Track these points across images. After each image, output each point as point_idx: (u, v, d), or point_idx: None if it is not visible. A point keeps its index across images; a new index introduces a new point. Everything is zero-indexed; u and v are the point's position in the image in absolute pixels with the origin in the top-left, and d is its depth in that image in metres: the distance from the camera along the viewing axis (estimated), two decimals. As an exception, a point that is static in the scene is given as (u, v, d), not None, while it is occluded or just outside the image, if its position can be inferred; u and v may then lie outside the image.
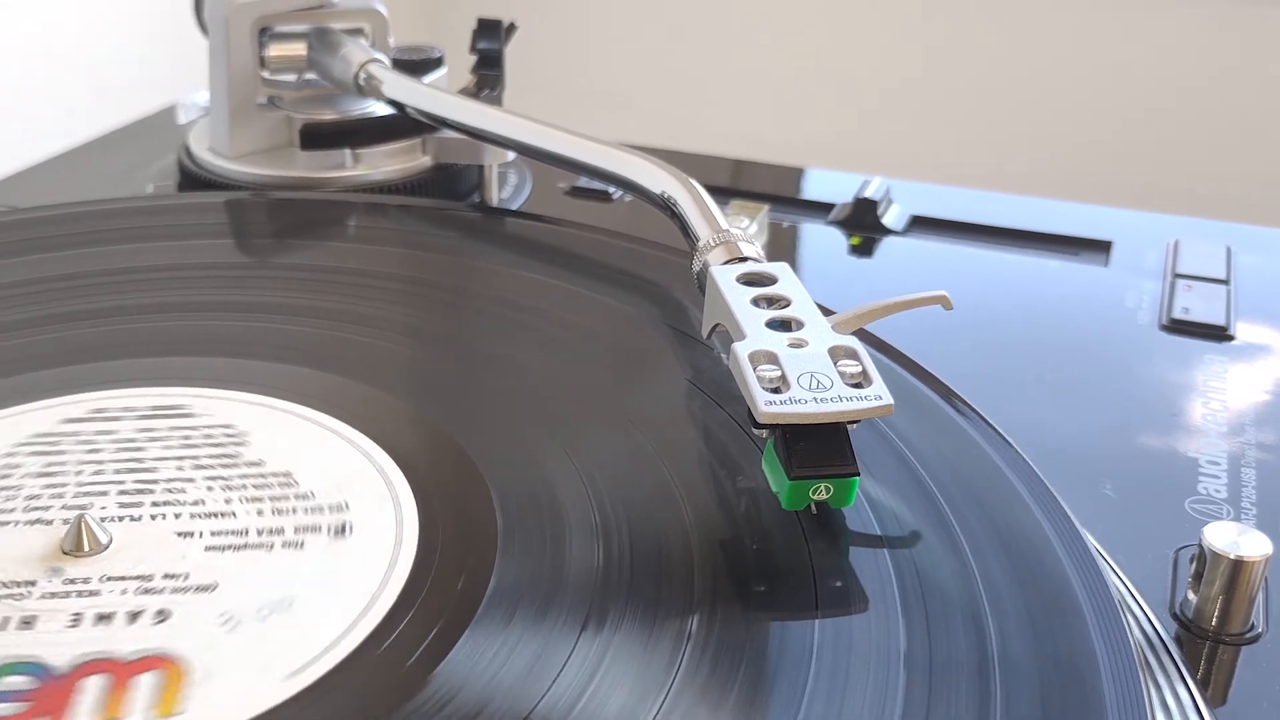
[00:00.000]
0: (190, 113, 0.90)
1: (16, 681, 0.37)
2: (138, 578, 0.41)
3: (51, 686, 0.37)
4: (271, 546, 0.43)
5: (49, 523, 0.43)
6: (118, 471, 0.46)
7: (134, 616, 0.39)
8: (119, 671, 0.37)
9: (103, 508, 0.44)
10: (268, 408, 0.50)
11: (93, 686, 0.37)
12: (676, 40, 1.72)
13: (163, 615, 0.39)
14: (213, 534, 0.43)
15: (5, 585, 0.41)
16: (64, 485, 0.46)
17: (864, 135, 1.64)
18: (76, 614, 0.40)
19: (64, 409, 0.50)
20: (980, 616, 0.40)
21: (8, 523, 0.44)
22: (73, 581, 0.41)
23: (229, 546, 0.43)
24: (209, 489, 0.45)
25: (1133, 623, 0.45)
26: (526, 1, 1.76)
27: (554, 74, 1.74)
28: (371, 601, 0.40)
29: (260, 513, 0.44)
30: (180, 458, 0.47)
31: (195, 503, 0.44)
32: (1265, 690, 0.45)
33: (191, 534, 0.43)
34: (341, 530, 0.43)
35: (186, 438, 0.48)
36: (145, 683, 0.37)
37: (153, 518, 0.44)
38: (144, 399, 0.51)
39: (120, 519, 0.44)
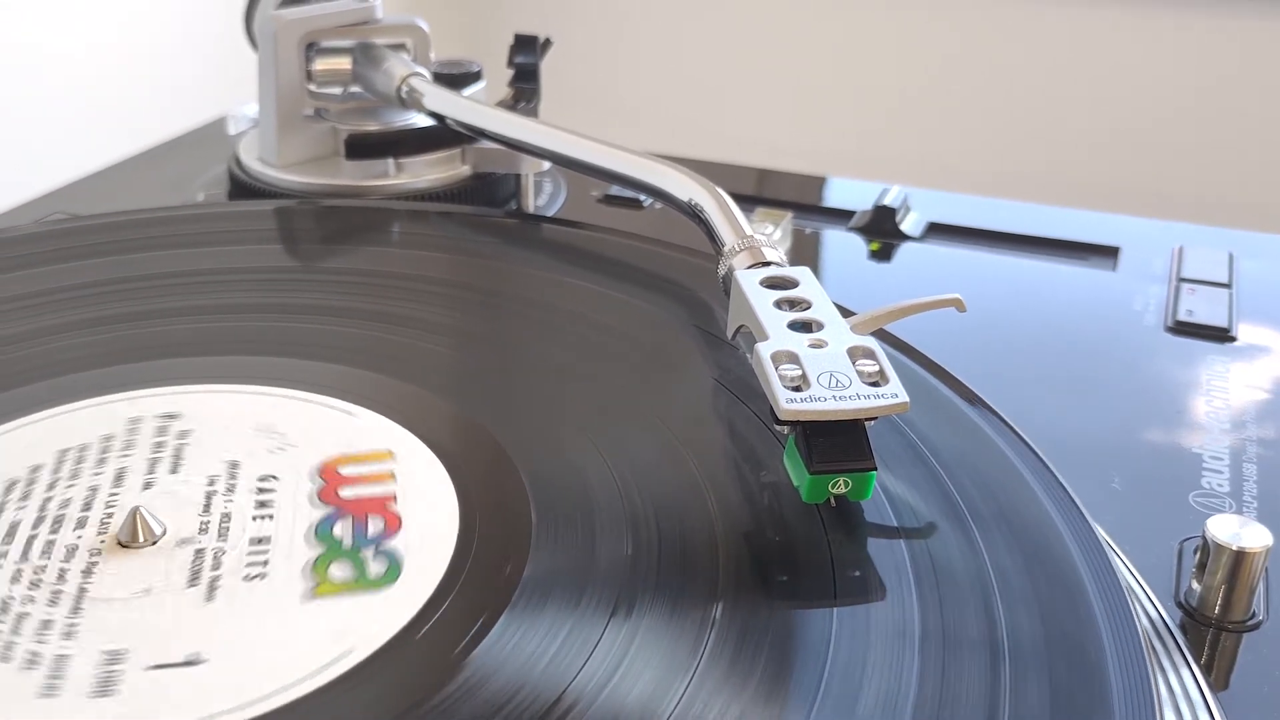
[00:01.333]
0: (240, 124, 0.90)
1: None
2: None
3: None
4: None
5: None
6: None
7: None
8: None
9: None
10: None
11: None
12: (703, 56, 1.72)
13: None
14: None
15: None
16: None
17: (881, 143, 1.64)
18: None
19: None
20: (992, 604, 0.40)
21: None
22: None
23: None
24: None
25: (1139, 610, 0.45)
26: (562, 19, 1.76)
27: (587, 87, 1.74)
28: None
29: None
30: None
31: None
32: (1266, 675, 0.45)
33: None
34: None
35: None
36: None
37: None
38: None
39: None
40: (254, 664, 0.37)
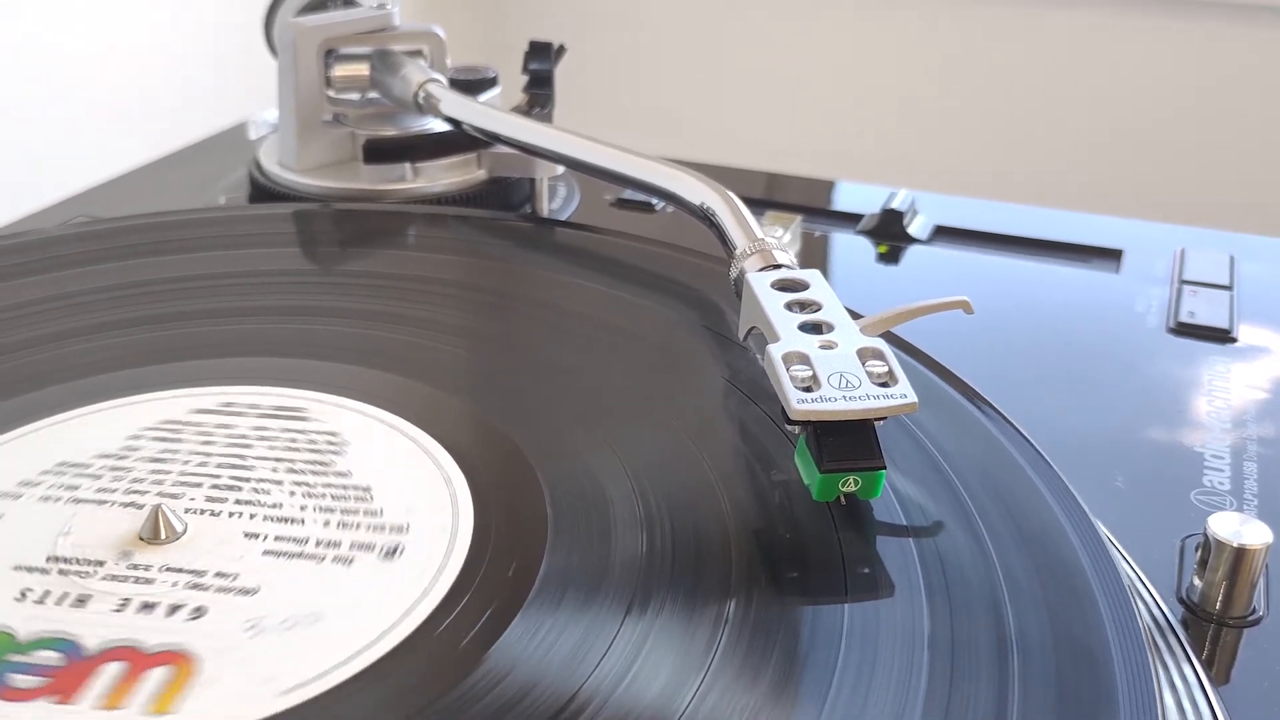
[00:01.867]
0: (260, 129, 0.90)
1: (47, 657, 0.37)
2: (192, 572, 0.41)
3: (75, 668, 0.37)
4: (323, 559, 0.43)
5: (140, 507, 0.44)
6: (219, 465, 0.46)
7: (173, 610, 0.39)
8: (137, 661, 0.37)
9: (191, 499, 0.44)
10: (332, 405, 0.50)
11: (110, 673, 0.37)
12: (713, 62, 1.72)
13: (199, 612, 0.39)
14: (276, 539, 0.43)
15: (77, 562, 0.41)
16: (168, 473, 0.46)
17: (889, 148, 1.64)
18: (125, 599, 0.40)
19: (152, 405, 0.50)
20: (999, 600, 0.40)
21: (106, 502, 0.44)
22: (135, 568, 0.41)
23: (285, 553, 0.43)
24: (290, 492, 0.46)
25: (1142, 607, 0.45)
26: (576, 26, 1.76)
27: (601, 93, 1.74)
28: (429, 585, 0.40)
29: (327, 524, 0.44)
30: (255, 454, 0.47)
31: (274, 505, 0.45)
32: (1266, 670, 0.45)
33: (257, 536, 0.43)
34: (393, 552, 0.43)
35: (255, 432, 0.49)
36: (155, 676, 0.37)
37: (230, 515, 0.44)
38: (213, 397, 0.51)
39: (202, 512, 0.44)
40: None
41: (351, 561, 0.42)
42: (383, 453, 0.47)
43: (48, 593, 0.40)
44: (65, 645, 0.38)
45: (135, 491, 0.45)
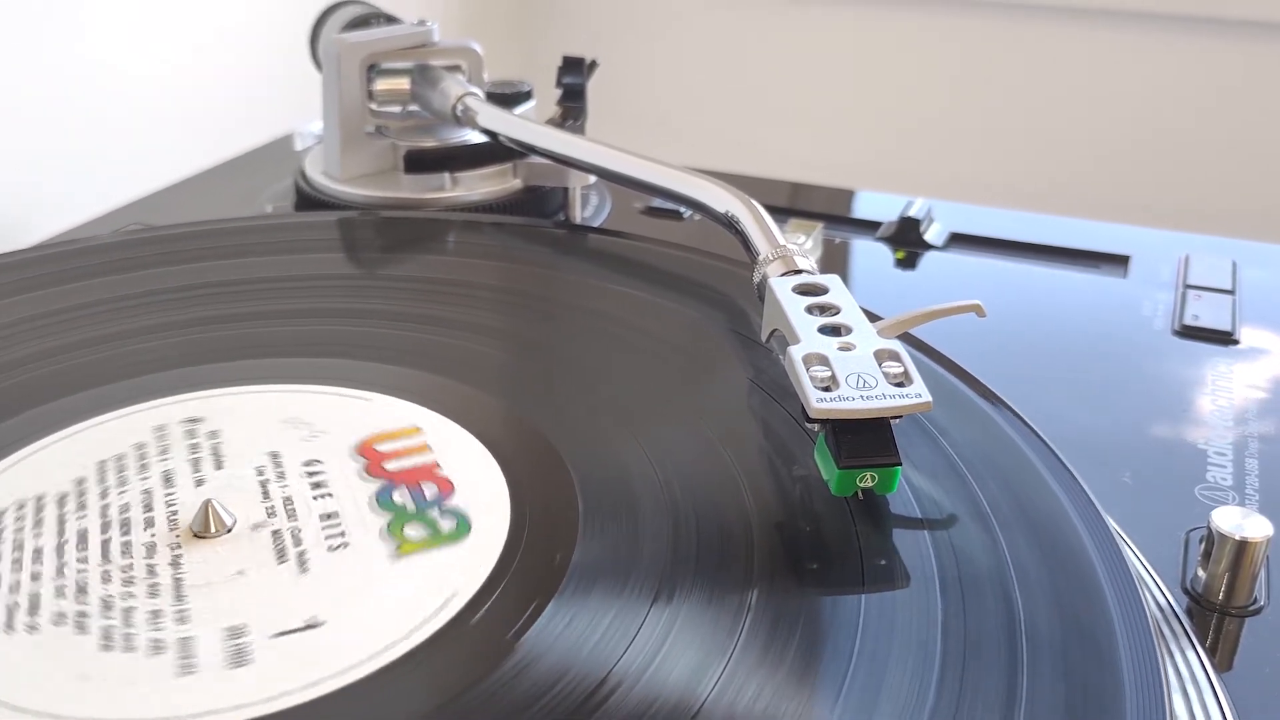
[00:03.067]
0: (305, 140, 0.90)
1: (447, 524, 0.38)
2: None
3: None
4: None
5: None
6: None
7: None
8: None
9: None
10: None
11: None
12: (738, 77, 1.72)
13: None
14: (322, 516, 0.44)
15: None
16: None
17: (906, 158, 1.64)
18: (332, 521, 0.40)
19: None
20: (1010, 591, 0.40)
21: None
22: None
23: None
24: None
25: (1148, 597, 0.45)
26: (607, 42, 1.76)
27: (631, 106, 1.74)
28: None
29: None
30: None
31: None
32: (1267, 658, 0.45)
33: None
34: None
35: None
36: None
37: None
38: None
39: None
40: (370, 620, 0.38)
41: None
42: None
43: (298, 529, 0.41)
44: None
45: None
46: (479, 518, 0.43)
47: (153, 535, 0.42)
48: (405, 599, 0.39)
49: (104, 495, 0.45)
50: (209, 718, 0.35)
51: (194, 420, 0.49)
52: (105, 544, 0.42)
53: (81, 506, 0.44)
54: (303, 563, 0.41)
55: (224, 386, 0.52)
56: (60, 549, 0.42)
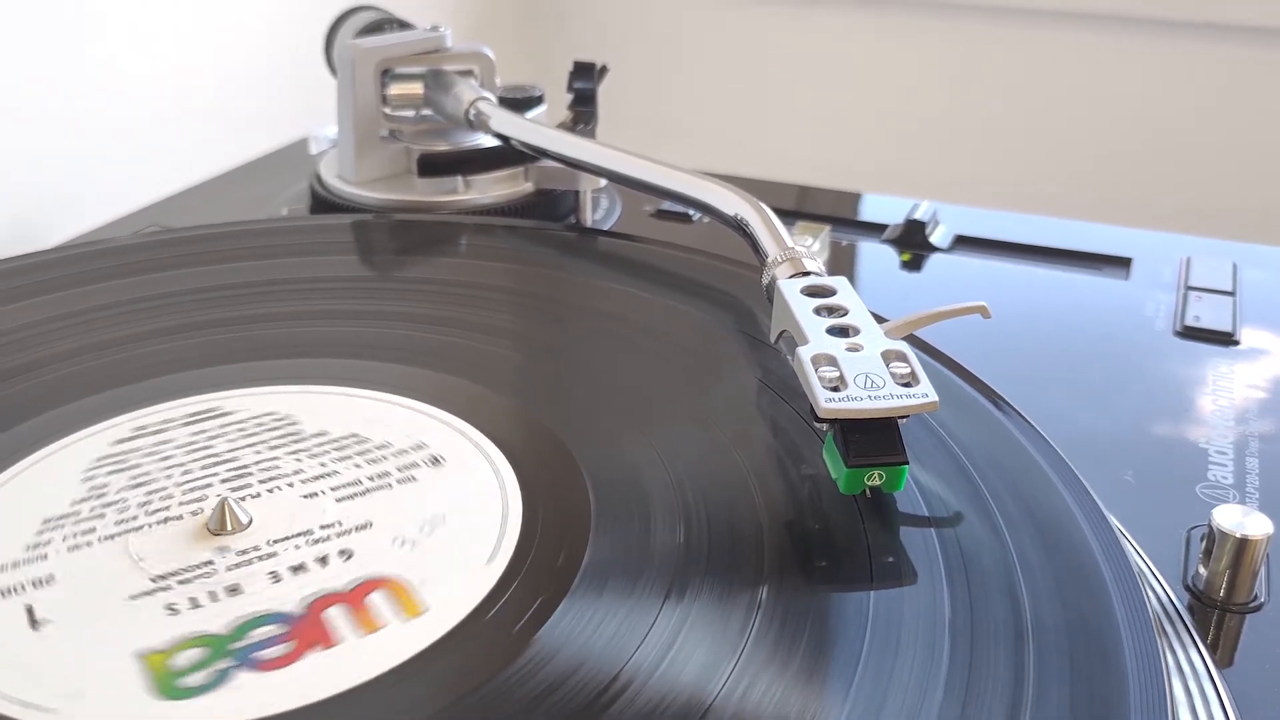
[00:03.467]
0: (320, 144, 0.90)
1: (268, 630, 0.38)
2: (300, 534, 0.42)
3: (301, 625, 0.38)
4: (391, 486, 0.44)
5: (179, 517, 0.44)
6: (249, 460, 0.47)
7: (323, 560, 0.40)
8: (349, 599, 0.39)
9: (218, 494, 0.45)
10: (388, 404, 0.51)
11: (335, 615, 0.38)
12: (746, 81, 1.72)
13: (346, 554, 0.41)
14: (333, 488, 0.44)
15: (189, 570, 0.41)
16: (229, 462, 0.47)
17: (912, 162, 1.64)
18: (272, 572, 0.40)
19: (198, 405, 0.51)
20: (1015, 588, 0.40)
21: (155, 517, 0.44)
22: (244, 552, 0.41)
23: (354, 495, 0.44)
24: (322, 465, 0.46)
25: (1150, 594, 0.45)
26: (617, 47, 1.76)
27: (641, 110, 1.74)
28: (480, 573, 0.40)
29: (359, 466, 0.45)
30: (283, 448, 0.48)
31: (315, 476, 0.45)
32: (1268, 653, 0.45)
33: (316, 494, 0.44)
34: (436, 461, 0.44)
35: (315, 430, 0.49)
36: (377, 600, 0.39)
37: (275, 490, 0.45)
38: (277, 396, 0.51)
39: (258, 495, 0.44)
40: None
41: (414, 478, 0.42)
42: (438, 449, 0.48)
43: (193, 599, 0.40)
44: (272, 618, 0.39)
45: (195, 487, 0.45)
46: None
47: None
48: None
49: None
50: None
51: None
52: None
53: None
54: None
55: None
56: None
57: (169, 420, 0.50)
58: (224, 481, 0.45)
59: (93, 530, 0.43)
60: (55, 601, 0.39)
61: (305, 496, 0.44)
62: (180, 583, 0.40)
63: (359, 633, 0.37)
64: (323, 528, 0.43)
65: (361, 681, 0.36)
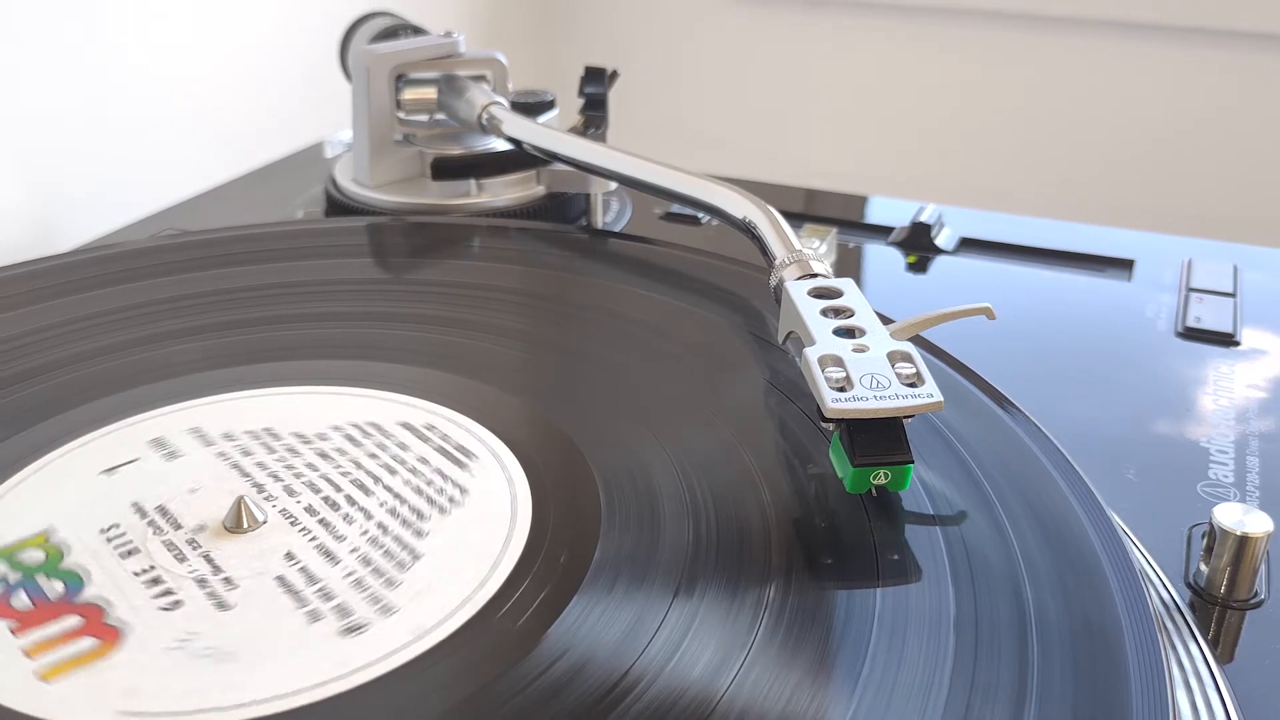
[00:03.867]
0: (335, 148, 0.90)
1: (52, 586, 0.39)
2: (214, 568, 0.41)
3: (54, 607, 0.39)
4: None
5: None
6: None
7: (164, 594, 0.40)
8: (91, 623, 0.38)
9: (271, 495, 0.45)
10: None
11: (66, 623, 0.38)
12: (755, 86, 1.72)
13: (175, 605, 0.40)
14: (342, 484, 0.44)
15: (168, 520, 0.42)
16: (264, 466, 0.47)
17: (917, 165, 1.64)
18: (149, 567, 0.40)
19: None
20: (1019, 584, 0.40)
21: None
22: (191, 543, 0.42)
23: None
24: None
25: (1151, 590, 0.45)
26: (628, 53, 1.76)
27: (651, 114, 1.74)
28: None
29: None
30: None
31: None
32: (1268, 649, 0.45)
33: (324, 489, 0.44)
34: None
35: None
36: (84, 644, 0.37)
37: (283, 486, 0.45)
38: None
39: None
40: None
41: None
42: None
43: (123, 534, 0.42)
44: (74, 581, 0.39)
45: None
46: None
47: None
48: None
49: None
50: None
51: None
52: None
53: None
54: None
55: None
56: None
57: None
58: (244, 477, 0.46)
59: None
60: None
61: (310, 490, 0.45)
62: (150, 523, 0.43)
63: (29, 647, 0.37)
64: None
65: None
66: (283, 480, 0.45)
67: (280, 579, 0.40)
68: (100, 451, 0.47)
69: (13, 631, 0.37)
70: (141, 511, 0.43)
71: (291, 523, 0.43)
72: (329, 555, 0.41)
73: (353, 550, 0.41)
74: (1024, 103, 1.59)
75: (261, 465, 0.46)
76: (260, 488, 0.45)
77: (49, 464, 0.46)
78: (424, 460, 0.47)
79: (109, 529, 0.42)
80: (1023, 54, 1.57)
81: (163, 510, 0.43)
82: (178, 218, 0.84)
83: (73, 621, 0.38)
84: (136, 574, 0.40)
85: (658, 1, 1.76)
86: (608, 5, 1.79)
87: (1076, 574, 0.41)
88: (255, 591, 0.39)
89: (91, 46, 1.02)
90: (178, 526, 0.42)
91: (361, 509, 0.44)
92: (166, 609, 0.39)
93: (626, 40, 1.79)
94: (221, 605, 0.39)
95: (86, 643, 0.37)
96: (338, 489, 0.45)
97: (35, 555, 0.41)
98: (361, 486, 0.45)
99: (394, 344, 0.56)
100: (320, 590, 0.39)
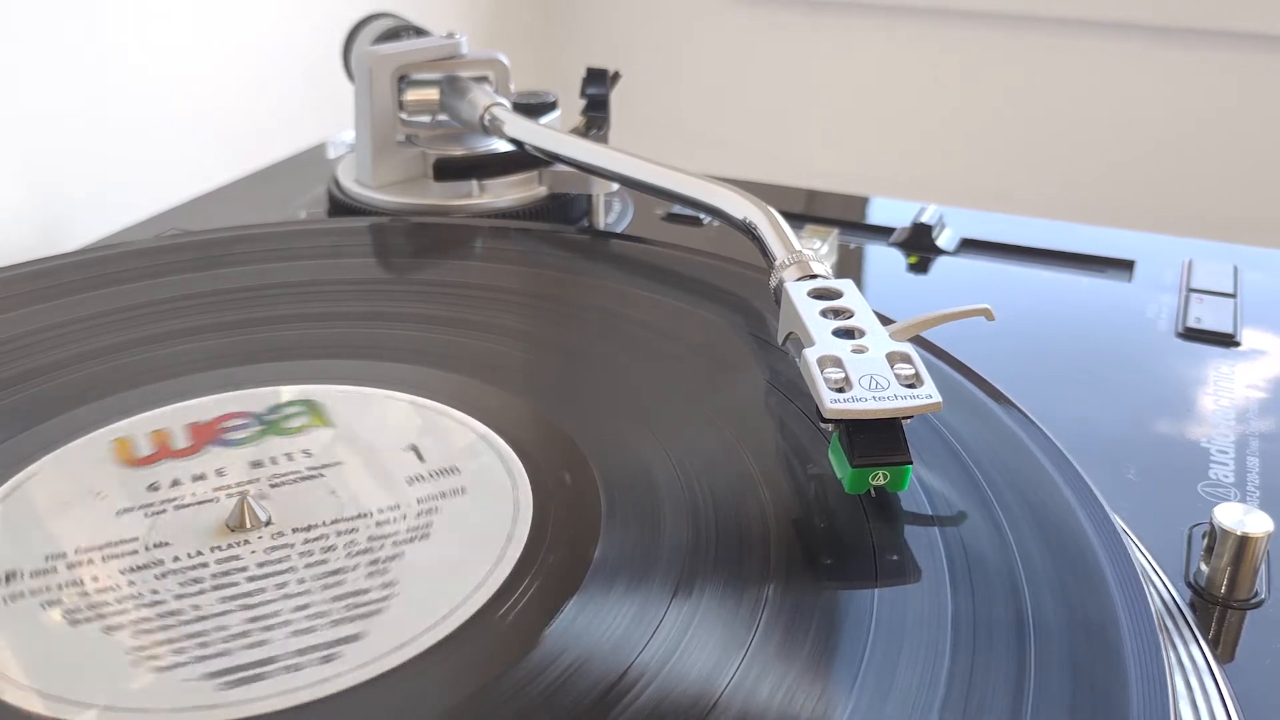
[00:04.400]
0: (338, 149, 0.90)
1: None
2: (306, 527, 0.41)
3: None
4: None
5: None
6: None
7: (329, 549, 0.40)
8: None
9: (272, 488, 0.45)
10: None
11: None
12: (756, 88, 1.72)
13: (351, 545, 0.40)
14: (344, 481, 0.44)
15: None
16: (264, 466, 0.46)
17: (918, 166, 1.64)
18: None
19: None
20: (1018, 585, 0.40)
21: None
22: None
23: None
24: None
25: (1152, 590, 0.45)
26: (630, 54, 1.76)
27: (653, 115, 1.74)
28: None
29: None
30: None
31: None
32: (1268, 649, 0.45)
33: (326, 484, 0.44)
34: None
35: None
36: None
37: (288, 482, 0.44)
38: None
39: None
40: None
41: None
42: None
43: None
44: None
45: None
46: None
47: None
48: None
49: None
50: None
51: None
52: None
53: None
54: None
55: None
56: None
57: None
58: (250, 468, 0.46)
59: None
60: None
61: (313, 486, 0.45)
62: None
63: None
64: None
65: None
66: (281, 476, 0.45)
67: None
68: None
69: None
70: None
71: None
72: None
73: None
74: (1025, 103, 1.59)
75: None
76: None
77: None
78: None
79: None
80: (1023, 54, 1.57)
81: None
82: (180, 218, 0.84)
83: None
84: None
85: (659, 2, 1.76)
86: (609, 6, 1.79)
87: (1076, 574, 0.41)
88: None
89: (92, 46, 1.02)
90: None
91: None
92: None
93: (628, 41, 1.79)
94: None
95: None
96: (333, 482, 0.45)
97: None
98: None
99: (396, 344, 0.56)
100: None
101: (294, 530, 0.42)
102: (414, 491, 0.45)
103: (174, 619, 0.38)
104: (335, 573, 0.40)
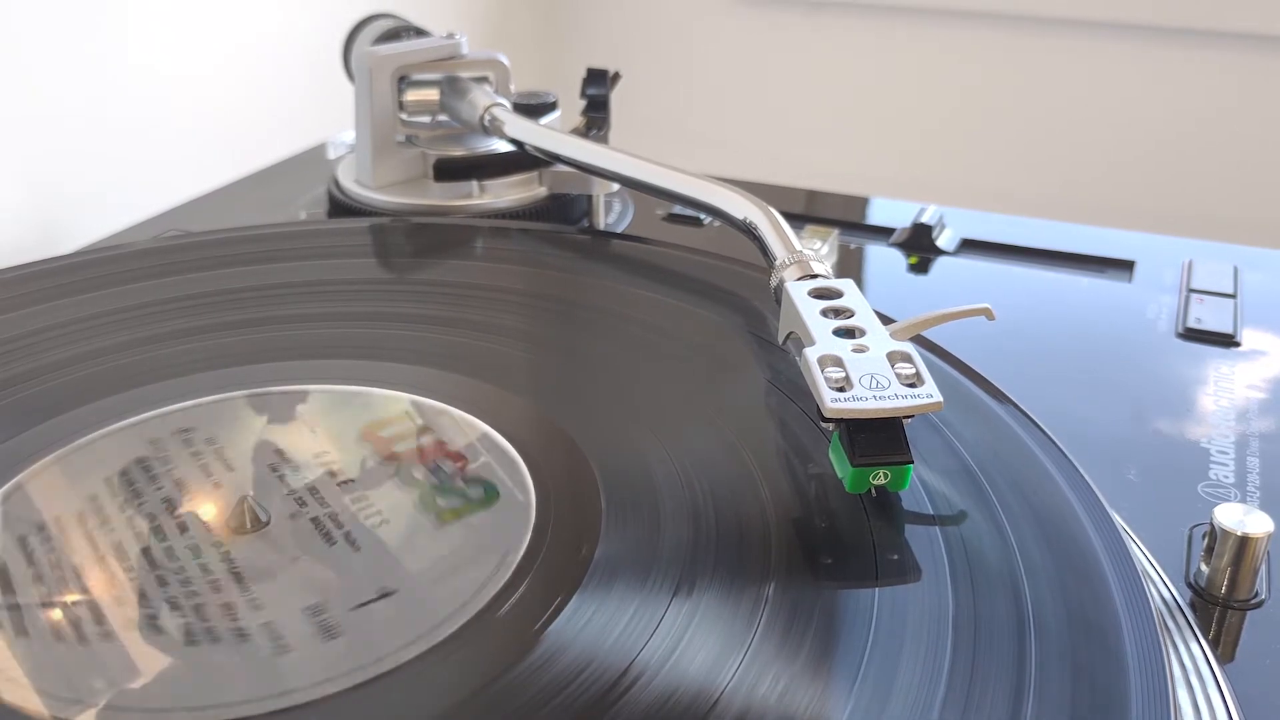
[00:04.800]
0: (338, 149, 0.90)
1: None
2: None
3: None
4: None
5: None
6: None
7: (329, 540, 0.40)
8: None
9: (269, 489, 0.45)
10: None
11: None
12: (757, 88, 1.72)
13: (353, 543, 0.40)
14: (345, 480, 0.44)
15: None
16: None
17: (919, 167, 1.64)
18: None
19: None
20: (1018, 584, 0.40)
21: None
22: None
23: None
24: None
25: (1152, 590, 0.45)
26: (629, 54, 1.76)
27: (653, 116, 1.74)
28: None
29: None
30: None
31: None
32: (1268, 649, 0.45)
33: (328, 483, 0.44)
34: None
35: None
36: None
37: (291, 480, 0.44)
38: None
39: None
40: (436, 584, 0.39)
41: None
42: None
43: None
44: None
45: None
46: (503, 488, 0.44)
47: (191, 538, 0.42)
48: (461, 562, 0.40)
49: (126, 505, 0.45)
50: (326, 685, 0.35)
51: (225, 419, 0.50)
52: (146, 551, 0.42)
53: (104, 521, 0.44)
54: (352, 541, 0.41)
55: (259, 387, 0.52)
56: (102, 562, 0.42)
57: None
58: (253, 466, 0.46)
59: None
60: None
61: (315, 482, 0.45)
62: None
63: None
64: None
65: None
66: (285, 474, 0.45)
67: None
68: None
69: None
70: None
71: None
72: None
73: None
74: (1025, 103, 1.59)
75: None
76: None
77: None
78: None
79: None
80: (1023, 54, 1.57)
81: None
82: (180, 219, 0.84)
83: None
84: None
85: (659, 3, 1.76)
86: (610, 7, 1.79)
87: (1076, 574, 0.41)
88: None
89: (92, 46, 1.02)
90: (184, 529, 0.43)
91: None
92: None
93: (628, 42, 1.79)
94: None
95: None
96: (334, 481, 0.45)
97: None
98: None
99: (396, 344, 0.56)
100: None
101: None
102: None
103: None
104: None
